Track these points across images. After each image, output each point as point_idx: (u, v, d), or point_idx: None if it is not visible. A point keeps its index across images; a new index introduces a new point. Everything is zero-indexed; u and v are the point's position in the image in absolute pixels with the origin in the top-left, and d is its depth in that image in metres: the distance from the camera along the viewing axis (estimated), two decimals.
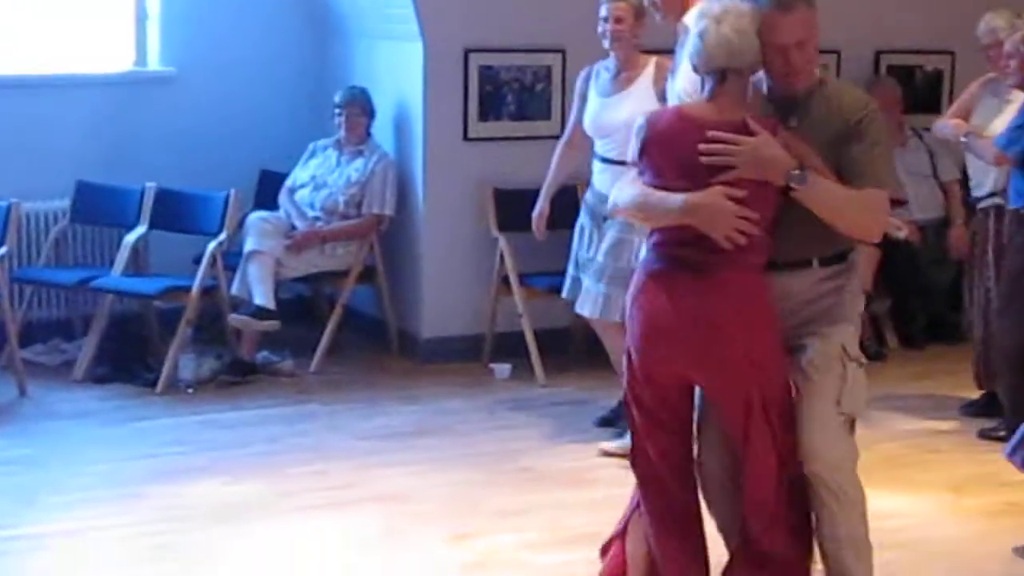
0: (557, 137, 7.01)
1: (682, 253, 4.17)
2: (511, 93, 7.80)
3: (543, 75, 7.74)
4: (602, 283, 6.38)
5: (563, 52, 7.68)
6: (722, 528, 4.51)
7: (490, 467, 6.22)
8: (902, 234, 7.05)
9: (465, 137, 7.77)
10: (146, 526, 5.47)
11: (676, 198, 4.12)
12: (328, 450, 6.41)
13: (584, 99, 6.62)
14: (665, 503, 4.40)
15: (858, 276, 4.45)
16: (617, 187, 4.40)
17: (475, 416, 6.94)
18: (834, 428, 4.27)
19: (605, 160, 6.48)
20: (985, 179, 6.92)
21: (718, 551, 4.53)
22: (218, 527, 5.49)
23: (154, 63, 8.32)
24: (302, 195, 7.88)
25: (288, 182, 7.97)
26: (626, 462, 6.00)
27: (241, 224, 7.71)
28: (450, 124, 7.73)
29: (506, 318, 7.70)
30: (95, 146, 8.07)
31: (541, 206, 6.85)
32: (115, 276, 7.62)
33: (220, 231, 7.58)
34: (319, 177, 7.88)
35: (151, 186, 7.83)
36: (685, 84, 5.70)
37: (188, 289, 7.42)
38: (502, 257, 7.64)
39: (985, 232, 6.90)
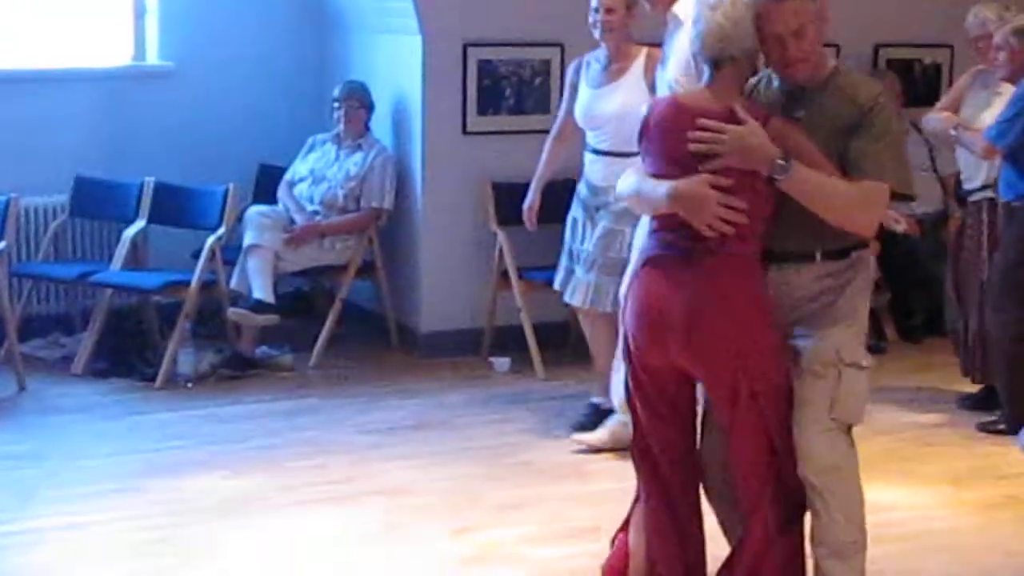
0: None
1: (673, 240, 4.17)
2: (510, 87, 7.79)
3: (542, 69, 7.74)
4: (592, 273, 6.41)
5: (561, 46, 7.68)
6: (723, 523, 4.49)
7: (490, 461, 6.22)
8: (900, 227, 7.05)
9: (464, 131, 7.77)
10: (146, 520, 5.48)
11: (664, 186, 4.12)
12: (328, 444, 6.41)
13: (574, 90, 6.64)
14: (664, 497, 4.37)
15: (866, 275, 4.31)
16: (624, 174, 4.41)
17: (475, 410, 6.94)
18: (826, 434, 4.17)
19: (596, 151, 6.51)
20: (976, 172, 6.89)
21: (720, 547, 4.53)
22: (218, 521, 5.50)
23: (153, 58, 8.32)
24: (301, 189, 7.88)
25: (287, 176, 7.97)
26: (626, 456, 6.04)
27: (240, 218, 7.71)
28: (449, 118, 7.73)
29: (505, 312, 7.71)
30: (94, 141, 8.08)
31: (532, 198, 6.86)
32: (114, 271, 7.63)
33: (219, 225, 7.58)
34: (318, 171, 7.88)
35: (150, 180, 7.84)
36: (676, 74, 5.71)
37: (187, 283, 7.42)
38: (501, 251, 7.64)
39: (978, 225, 6.88)
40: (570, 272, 6.60)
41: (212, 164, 8.05)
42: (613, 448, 6.16)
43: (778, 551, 4.25)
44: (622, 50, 6.44)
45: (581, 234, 6.55)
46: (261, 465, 6.12)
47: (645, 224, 5.99)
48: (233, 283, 7.60)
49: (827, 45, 4.50)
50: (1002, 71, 6.62)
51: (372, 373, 7.54)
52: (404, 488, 5.87)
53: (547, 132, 6.94)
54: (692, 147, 4.06)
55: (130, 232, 7.73)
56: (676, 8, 4.96)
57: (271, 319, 7.46)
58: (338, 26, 8.44)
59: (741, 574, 4.28)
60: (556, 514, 5.59)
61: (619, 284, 6.14)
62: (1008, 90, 6.62)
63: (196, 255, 7.53)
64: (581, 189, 6.60)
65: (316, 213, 7.80)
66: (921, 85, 8.70)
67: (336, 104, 7.86)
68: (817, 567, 4.28)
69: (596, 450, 6.23)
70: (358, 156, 7.82)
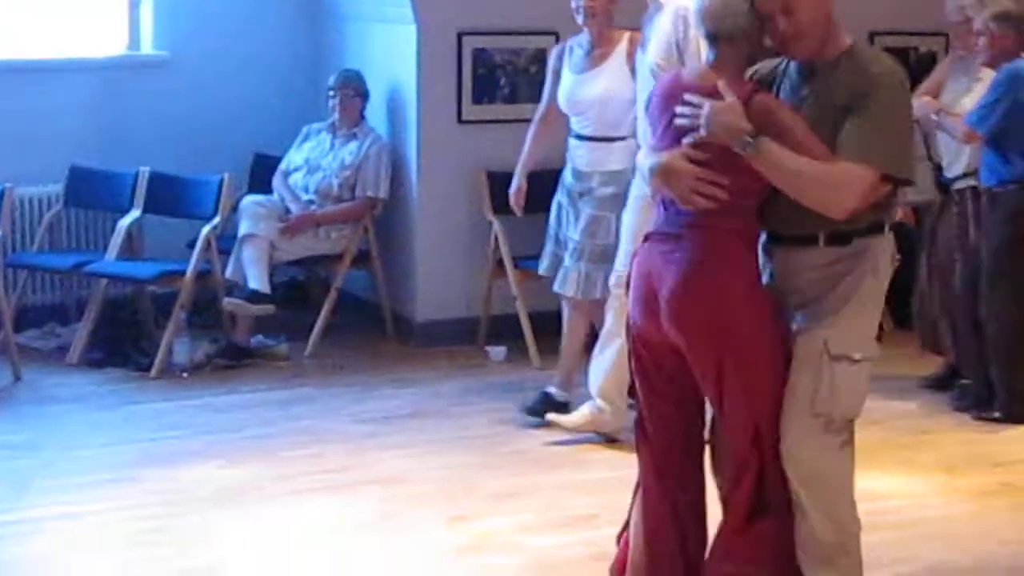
0: None
1: (667, 216, 4.20)
2: (505, 76, 7.79)
3: (537, 58, 7.72)
4: (582, 262, 6.44)
5: (556, 35, 7.65)
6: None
7: (485, 450, 6.23)
8: (896, 216, 7.03)
9: (459, 120, 7.76)
10: (142, 510, 5.48)
11: (651, 159, 4.17)
12: (323, 433, 6.41)
13: (557, 76, 6.66)
14: (661, 480, 4.31)
15: (874, 265, 4.13)
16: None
17: (470, 399, 6.95)
18: (807, 429, 4.04)
19: (580, 137, 6.54)
20: (958, 158, 6.85)
21: None
22: (214, 510, 5.50)
23: (147, 47, 8.31)
24: (296, 178, 7.88)
25: (282, 165, 7.96)
26: (622, 445, 6.05)
27: (235, 208, 7.70)
28: (444, 107, 7.73)
29: (501, 301, 7.71)
30: (89, 130, 8.06)
31: (517, 183, 6.87)
32: (109, 261, 7.62)
33: (214, 215, 7.58)
34: (313, 160, 7.88)
35: (145, 170, 7.83)
36: (656, 58, 5.75)
37: (182, 273, 7.42)
38: (496, 240, 7.64)
39: (964, 213, 6.86)
40: (556, 258, 6.64)
41: (207, 153, 8.04)
42: (590, 430, 6.20)
43: (752, 539, 4.16)
44: (605, 35, 6.45)
45: (566, 220, 6.58)
46: (257, 454, 6.13)
47: (631, 207, 6.05)
48: (228, 273, 7.60)
49: None
50: (982, 56, 6.63)
51: (368, 362, 7.54)
52: (400, 477, 5.87)
53: None
54: (677, 121, 4.09)
55: (125, 222, 7.72)
56: None
57: (266, 309, 7.45)
58: (333, 15, 8.43)
59: (716, 560, 4.24)
60: (552, 502, 5.59)
61: (608, 271, 6.18)
62: (988, 75, 6.63)
63: (191, 245, 7.53)
64: (566, 175, 6.62)
65: (311, 202, 7.79)
66: (916, 73, 8.66)
67: (331, 93, 7.85)
68: (799, 561, 4.14)
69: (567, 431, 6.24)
70: (353, 145, 7.82)
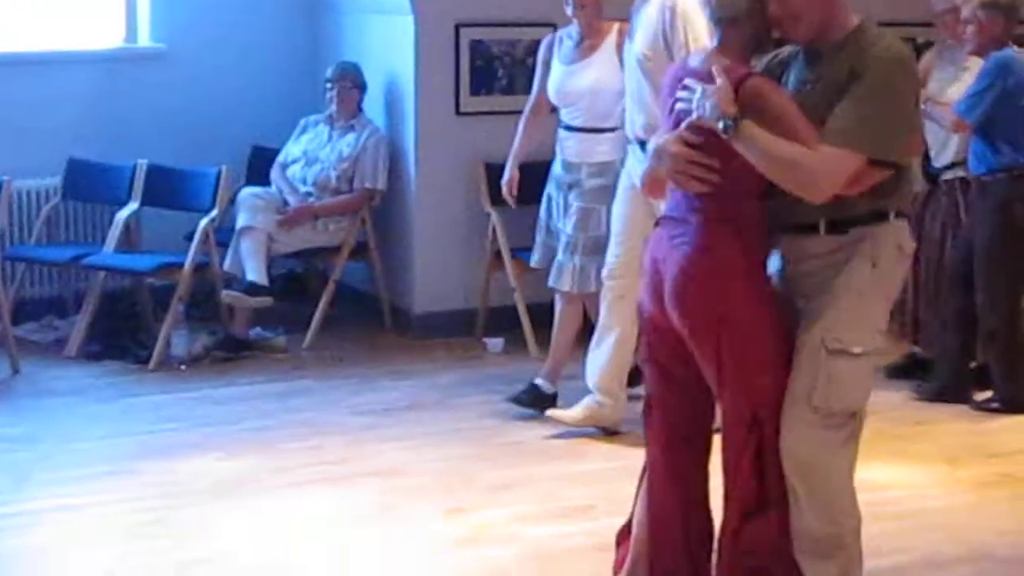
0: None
1: (673, 201, 4.22)
2: (502, 67, 7.79)
3: (534, 49, 7.69)
4: (576, 256, 6.43)
5: (554, 26, 7.62)
6: None
7: (483, 441, 6.23)
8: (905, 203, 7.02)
9: (457, 112, 7.76)
10: (140, 502, 5.48)
11: (651, 142, 4.22)
12: (322, 425, 6.41)
13: (547, 66, 6.67)
14: (667, 469, 4.29)
15: (875, 254, 4.01)
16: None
17: (468, 391, 6.94)
18: (805, 422, 3.98)
19: (569, 128, 6.54)
20: (945, 147, 6.84)
21: None
22: (212, 503, 5.50)
23: (145, 39, 8.30)
24: (294, 171, 7.87)
25: (280, 158, 7.95)
26: (620, 436, 6.05)
27: (233, 200, 7.70)
28: (442, 99, 7.72)
29: (499, 293, 7.71)
30: (86, 123, 8.06)
31: (509, 173, 6.85)
32: (107, 253, 7.62)
33: (212, 207, 7.57)
34: (311, 152, 7.87)
35: (142, 163, 7.82)
36: (643, 48, 5.75)
37: (180, 266, 7.42)
38: (494, 232, 7.64)
39: (954, 203, 6.85)
40: (548, 248, 6.65)
41: (205, 146, 8.04)
42: (590, 425, 6.19)
43: (753, 532, 4.13)
44: (594, 26, 6.45)
45: (556, 211, 6.59)
46: (255, 447, 6.12)
47: (620, 198, 6.05)
48: (226, 265, 7.60)
49: None
50: (970, 45, 6.62)
51: (366, 354, 7.54)
52: (398, 469, 5.87)
53: None
54: (677, 106, 4.12)
55: (123, 214, 7.72)
56: None
57: (264, 301, 7.45)
58: (330, 7, 8.42)
59: (722, 552, 4.22)
60: (549, 493, 5.59)
61: (601, 263, 6.18)
62: (976, 64, 6.62)
63: (189, 237, 7.53)
64: (556, 166, 6.62)
65: (309, 194, 7.79)
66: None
67: (329, 85, 7.85)
68: (796, 556, 4.09)
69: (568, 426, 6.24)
70: (351, 137, 7.81)
